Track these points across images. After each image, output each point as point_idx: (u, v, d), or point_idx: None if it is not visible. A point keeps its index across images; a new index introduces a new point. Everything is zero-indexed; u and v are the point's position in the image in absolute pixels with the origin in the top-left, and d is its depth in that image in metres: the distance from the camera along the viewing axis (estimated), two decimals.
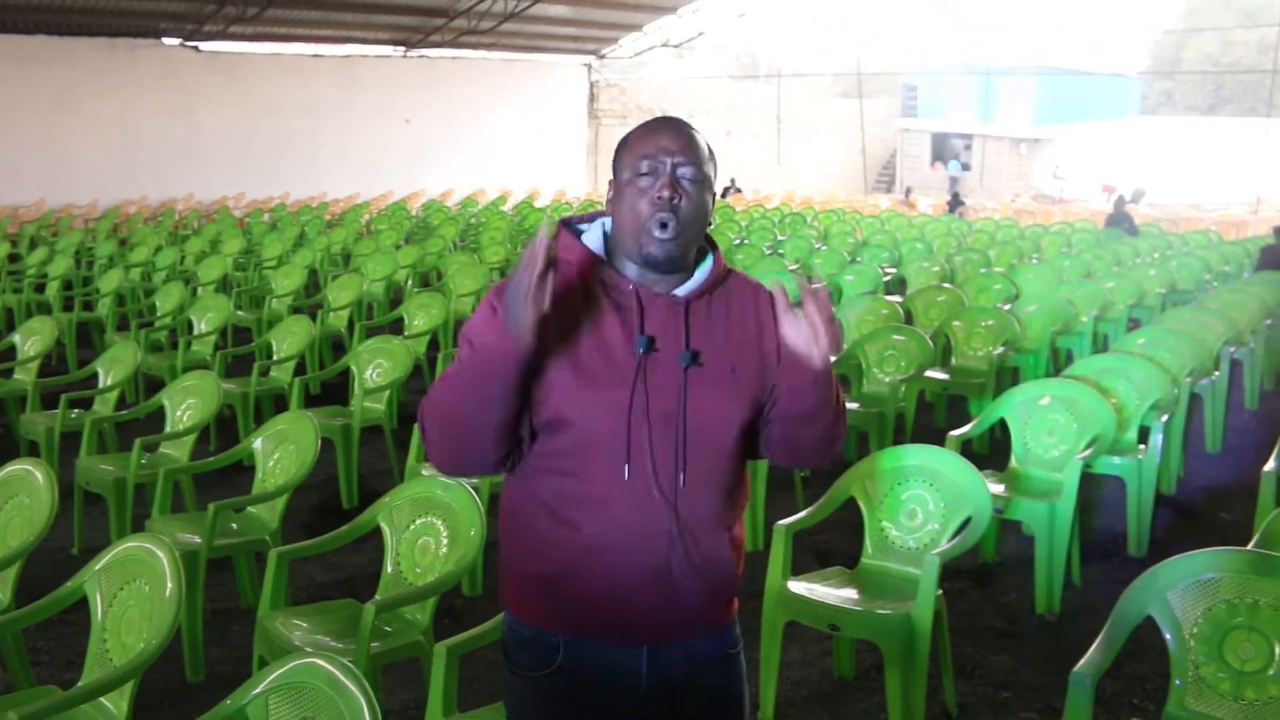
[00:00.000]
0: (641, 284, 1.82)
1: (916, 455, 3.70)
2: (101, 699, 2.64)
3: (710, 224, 1.86)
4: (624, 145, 1.85)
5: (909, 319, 8.14)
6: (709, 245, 1.90)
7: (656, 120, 1.86)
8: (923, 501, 3.62)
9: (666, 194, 1.76)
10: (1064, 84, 32.16)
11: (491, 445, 1.78)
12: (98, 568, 2.85)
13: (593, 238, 1.88)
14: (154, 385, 7.08)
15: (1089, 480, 5.31)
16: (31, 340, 6.65)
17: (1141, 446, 5.02)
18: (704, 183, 1.81)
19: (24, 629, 3.19)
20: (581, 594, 1.81)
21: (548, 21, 23.46)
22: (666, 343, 1.79)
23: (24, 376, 6.42)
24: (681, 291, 1.83)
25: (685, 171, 1.79)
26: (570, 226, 1.89)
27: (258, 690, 2.17)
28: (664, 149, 1.79)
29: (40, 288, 10.37)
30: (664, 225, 1.76)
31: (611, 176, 1.86)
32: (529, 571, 1.86)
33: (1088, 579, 4.61)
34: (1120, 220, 14.45)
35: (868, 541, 3.68)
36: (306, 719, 2.10)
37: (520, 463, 1.85)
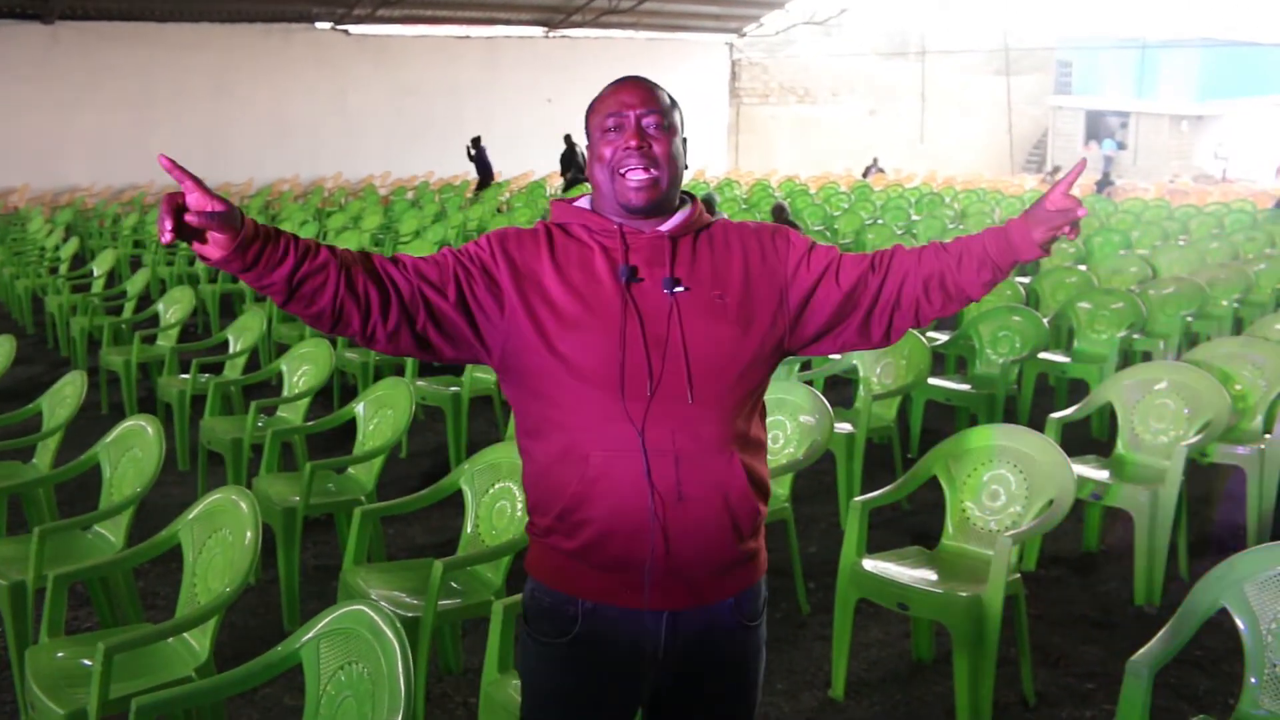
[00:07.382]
0: (627, 224, 1.89)
1: (1001, 435, 3.61)
2: (187, 636, 2.83)
3: (684, 169, 1.92)
4: (590, 111, 1.92)
5: (1036, 300, 7.91)
6: (688, 197, 1.96)
7: (618, 80, 1.92)
8: (1005, 482, 3.54)
9: (634, 143, 1.84)
10: (1231, 57, 30.32)
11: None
12: (190, 517, 3.04)
13: (583, 201, 1.96)
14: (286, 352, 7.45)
15: (1208, 471, 5.09)
16: (173, 309, 7.08)
17: (1266, 435, 4.77)
18: (670, 129, 1.88)
19: (140, 573, 3.43)
20: (595, 522, 1.82)
21: (689, 0, 23.44)
22: (652, 273, 1.85)
23: (164, 342, 6.84)
24: (665, 228, 1.89)
25: (650, 120, 1.86)
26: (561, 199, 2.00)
27: (310, 635, 2.27)
28: (625, 104, 1.87)
29: (191, 261, 10.97)
30: (636, 169, 1.83)
31: (585, 144, 1.94)
32: (549, 517, 1.88)
33: (1197, 572, 4.39)
34: None
35: (948, 522, 3.62)
36: (352, 662, 2.20)
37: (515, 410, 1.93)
